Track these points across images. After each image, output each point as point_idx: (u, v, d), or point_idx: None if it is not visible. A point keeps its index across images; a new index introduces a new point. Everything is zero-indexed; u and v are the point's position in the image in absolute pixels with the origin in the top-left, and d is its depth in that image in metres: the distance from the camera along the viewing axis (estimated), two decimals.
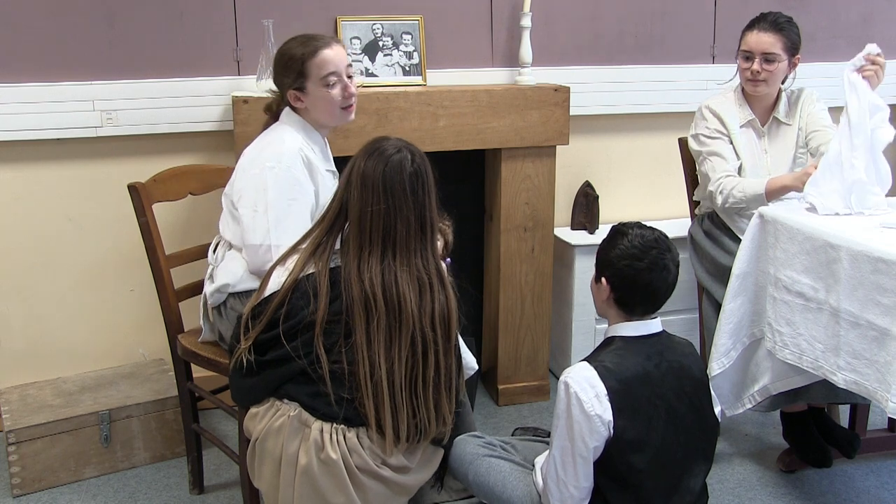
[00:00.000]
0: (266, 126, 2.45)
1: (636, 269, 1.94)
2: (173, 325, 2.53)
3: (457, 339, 1.98)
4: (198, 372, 2.57)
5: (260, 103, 2.54)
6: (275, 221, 2.22)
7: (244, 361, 1.93)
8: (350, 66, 2.36)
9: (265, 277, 2.02)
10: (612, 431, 1.87)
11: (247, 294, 2.30)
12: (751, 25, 2.80)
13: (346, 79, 2.34)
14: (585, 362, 1.93)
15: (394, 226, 1.89)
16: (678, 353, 2.00)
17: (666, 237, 2.00)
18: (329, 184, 2.39)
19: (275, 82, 2.39)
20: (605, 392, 1.86)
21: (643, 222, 2.03)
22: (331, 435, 1.88)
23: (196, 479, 2.65)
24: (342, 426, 1.89)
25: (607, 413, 1.86)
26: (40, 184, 2.91)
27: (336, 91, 2.32)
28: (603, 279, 1.97)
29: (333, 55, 2.31)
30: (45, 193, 2.92)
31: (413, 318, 1.87)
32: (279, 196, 2.22)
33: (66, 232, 2.96)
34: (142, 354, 3.11)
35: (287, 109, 2.39)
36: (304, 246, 1.99)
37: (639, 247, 1.94)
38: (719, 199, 2.74)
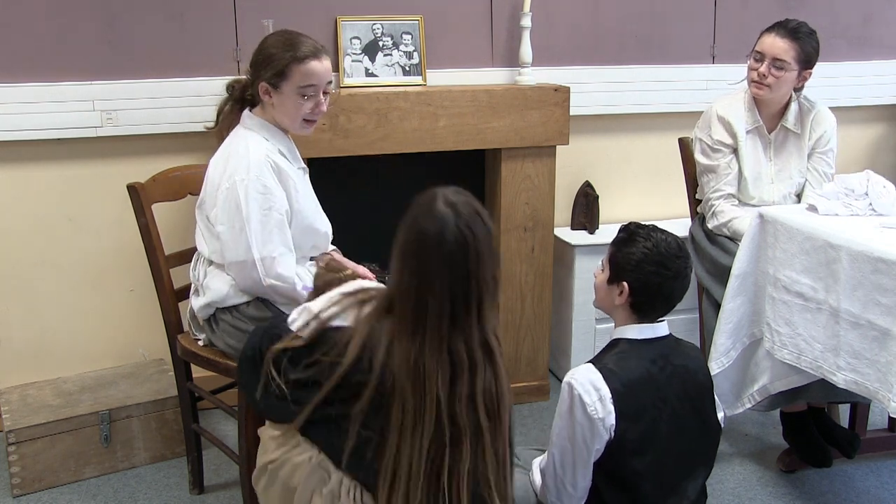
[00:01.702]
0: (220, 111, 2.40)
1: (663, 277, 1.92)
2: (173, 326, 2.53)
3: (510, 424, 1.74)
4: (197, 372, 2.57)
5: None
6: (255, 235, 2.19)
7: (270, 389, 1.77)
8: (330, 82, 2.31)
9: (309, 321, 1.77)
10: (613, 434, 1.86)
11: (236, 308, 2.30)
12: (770, 28, 2.77)
13: (321, 95, 2.29)
14: (590, 364, 1.92)
15: (426, 302, 1.63)
16: (684, 357, 1.99)
17: (684, 243, 1.99)
18: (302, 181, 2.36)
19: (251, 66, 2.33)
20: (609, 395, 1.85)
21: (657, 225, 2.01)
22: (349, 490, 1.75)
23: (196, 479, 2.65)
24: (361, 486, 1.75)
25: (610, 417, 1.85)
26: (40, 184, 2.91)
27: (308, 104, 2.27)
28: (625, 283, 1.95)
29: (320, 68, 2.26)
30: (45, 193, 2.92)
31: (441, 402, 1.64)
32: (255, 208, 2.19)
33: (66, 232, 2.96)
34: (142, 354, 3.11)
35: (247, 112, 2.34)
36: (360, 298, 1.76)
37: (665, 254, 1.93)
38: (710, 223, 2.85)
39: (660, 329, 1.98)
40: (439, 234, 1.61)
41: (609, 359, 1.93)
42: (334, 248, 2.56)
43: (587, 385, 1.86)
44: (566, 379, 1.90)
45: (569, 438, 1.87)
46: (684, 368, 1.97)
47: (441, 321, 1.64)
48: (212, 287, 2.31)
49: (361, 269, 2.50)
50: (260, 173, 2.21)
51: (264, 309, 2.27)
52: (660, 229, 1.98)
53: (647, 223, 2.01)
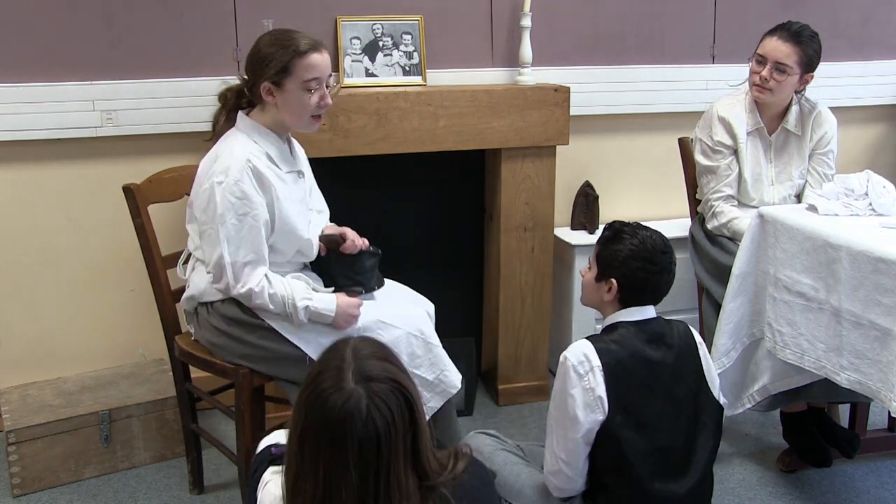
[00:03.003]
0: (216, 121, 2.38)
1: (649, 273, 1.98)
2: (170, 326, 2.53)
3: None
4: (196, 372, 2.57)
5: None
6: (226, 239, 2.19)
7: None
8: (331, 75, 2.31)
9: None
10: (606, 410, 1.89)
11: (211, 304, 2.32)
12: (772, 31, 2.75)
13: (325, 88, 2.28)
14: (587, 339, 1.97)
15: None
16: (677, 338, 2.02)
17: (667, 239, 2.04)
18: (292, 186, 2.34)
19: (248, 69, 2.30)
20: (601, 367, 1.90)
21: (641, 223, 2.06)
22: None
23: (196, 479, 2.65)
24: None
25: (600, 387, 1.88)
26: (40, 184, 2.91)
27: (314, 98, 2.26)
28: (613, 280, 2.00)
29: (321, 61, 2.25)
30: (45, 193, 2.92)
31: None
32: (228, 212, 2.18)
33: (66, 232, 2.96)
34: (141, 354, 3.11)
35: (241, 114, 2.32)
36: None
37: (651, 250, 1.98)
38: (710, 223, 2.85)
39: (648, 311, 2.03)
40: (349, 425, 1.30)
41: (607, 338, 1.98)
42: (333, 224, 2.54)
43: (580, 356, 1.91)
44: (562, 354, 1.95)
45: (560, 409, 1.92)
46: (678, 348, 2.00)
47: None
48: (193, 281, 2.36)
49: (352, 233, 2.46)
50: (239, 178, 2.19)
51: (235, 308, 2.28)
52: (644, 226, 2.03)
53: (631, 221, 2.06)
